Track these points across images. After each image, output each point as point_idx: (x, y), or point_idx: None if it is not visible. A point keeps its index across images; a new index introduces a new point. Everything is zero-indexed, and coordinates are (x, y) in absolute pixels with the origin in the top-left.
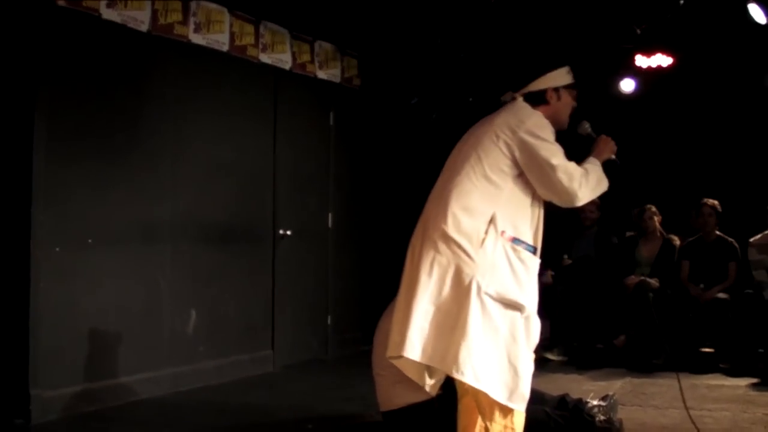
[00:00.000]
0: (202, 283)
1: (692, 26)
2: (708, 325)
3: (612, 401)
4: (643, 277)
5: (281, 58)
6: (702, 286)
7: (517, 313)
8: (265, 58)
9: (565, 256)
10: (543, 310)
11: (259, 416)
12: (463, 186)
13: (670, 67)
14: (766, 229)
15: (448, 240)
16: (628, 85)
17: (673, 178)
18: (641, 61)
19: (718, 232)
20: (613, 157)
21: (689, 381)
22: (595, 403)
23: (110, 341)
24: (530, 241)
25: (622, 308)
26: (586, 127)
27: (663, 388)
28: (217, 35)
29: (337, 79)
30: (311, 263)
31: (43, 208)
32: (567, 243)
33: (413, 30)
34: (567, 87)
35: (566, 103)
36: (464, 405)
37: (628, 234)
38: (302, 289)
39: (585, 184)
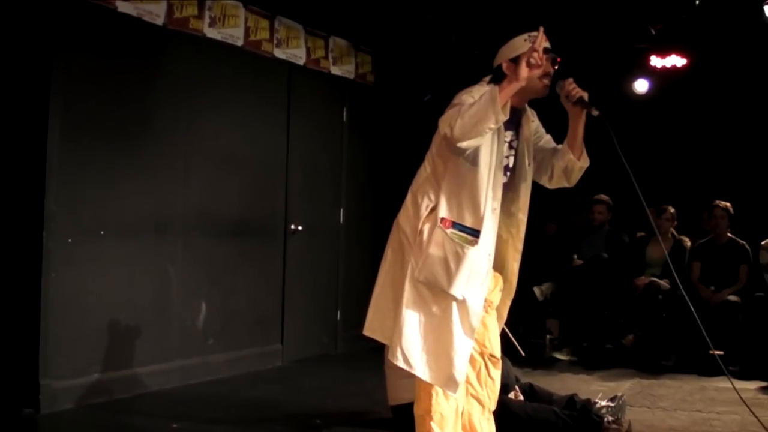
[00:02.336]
0: (213, 276)
1: (707, 27)
2: (718, 327)
3: (620, 402)
4: (653, 278)
5: (295, 53)
6: (713, 288)
7: (451, 300)
8: (279, 53)
9: (575, 256)
10: (553, 310)
11: (267, 410)
12: (419, 174)
13: (684, 67)
14: None
15: (399, 228)
16: (642, 85)
17: (686, 179)
18: (656, 61)
19: (729, 234)
20: (595, 112)
21: (698, 383)
22: (603, 403)
23: (120, 333)
24: (473, 225)
25: (632, 309)
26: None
27: (672, 389)
28: (232, 30)
29: (351, 75)
30: (322, 258)
31: (55, 199)
32: (575, 243)
33: (427, 27)
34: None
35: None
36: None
37: (639, 234)
38: (312, 284)
39: (455, 118)
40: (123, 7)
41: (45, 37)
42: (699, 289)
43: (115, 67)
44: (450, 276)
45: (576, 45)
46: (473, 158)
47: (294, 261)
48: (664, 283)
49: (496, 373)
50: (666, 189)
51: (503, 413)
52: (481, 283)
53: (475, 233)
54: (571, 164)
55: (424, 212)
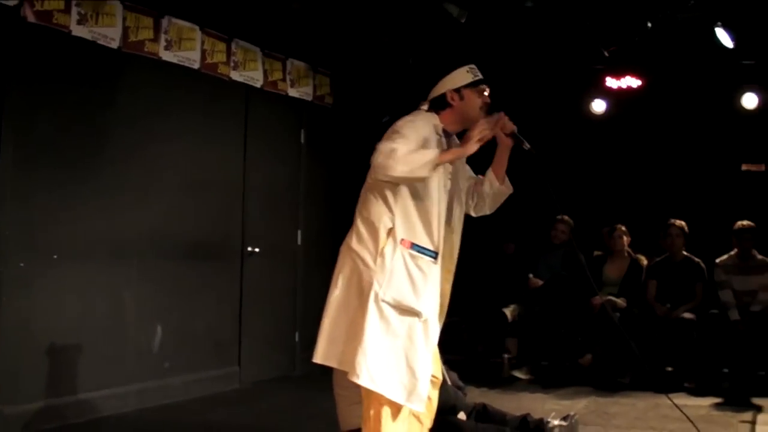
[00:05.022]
0: (169, 299)
1: (661, 49)
2: (673, 344)
3: (573, 421)
4: (609, 297)
5: (253, 75)
6: (668, 305)
7: (415, 318)
8: (236, 75)
9: (531, 275)
10: (511, 329)
11: None
12: (365, 197)
13: (639, 88)
14: (732, 250)
15: (351, 252)
16: (599, 105)
17: (642, 199)
18: (611, 82)
19: (685, 253)
20: (527, 146)
21: (653, 400)
22: (556, 423)
23: (74, 357)
24: (430, 246)
25: (589, 328)
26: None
27: (626, 407)
28: (188, 53)
29: (309, 97)
30: (280, 280)
31: (8, 222)
32: (532, 262)
33: (385, 49)
34: (469, 85)
35: (471, 102)
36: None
37: (596, 253)
38: (270, 305)
39: (394, 158)
40: (77, 31)
41: None
42: (655, 307)
43: (70, 90)
44: (417, 293)
45: (534, 66)
46: (423, 184)
47: (251, 283)
48: (620, 302)
49: (435, 393)
50: (622, 208)
51: None
52: (437, 303)
53: (433, 254)
54: (502, 192)
55: (383, 235)
